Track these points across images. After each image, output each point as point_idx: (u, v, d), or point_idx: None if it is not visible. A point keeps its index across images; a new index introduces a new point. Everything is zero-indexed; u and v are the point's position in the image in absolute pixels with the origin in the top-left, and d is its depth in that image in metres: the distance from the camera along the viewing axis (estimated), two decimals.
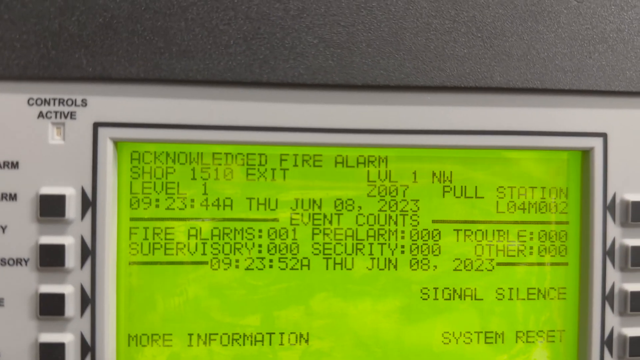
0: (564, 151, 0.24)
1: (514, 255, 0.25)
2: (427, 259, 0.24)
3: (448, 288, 0.25)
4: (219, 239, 0.24)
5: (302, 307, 0.24)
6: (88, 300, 0.22)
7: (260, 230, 0.24)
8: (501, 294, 0.25)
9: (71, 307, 0.22)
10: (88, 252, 0.22)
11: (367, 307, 0.24)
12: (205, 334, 0.24)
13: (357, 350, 0.24)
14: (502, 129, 0.24)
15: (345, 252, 0.24)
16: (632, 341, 0.24)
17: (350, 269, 0.24)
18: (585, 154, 0.24)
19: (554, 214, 0.24)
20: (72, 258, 0.22)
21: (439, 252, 0.24)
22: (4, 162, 0.22)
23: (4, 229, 0.22)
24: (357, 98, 0.23)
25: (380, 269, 0.24)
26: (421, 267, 0.24)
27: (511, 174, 0.25)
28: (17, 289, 0.22)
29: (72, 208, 0.22)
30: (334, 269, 0.24)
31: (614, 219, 0.24)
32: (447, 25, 0.23)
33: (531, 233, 0.25)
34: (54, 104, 0.22)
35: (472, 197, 0.25)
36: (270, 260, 0.24)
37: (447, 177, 0.24)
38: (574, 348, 0.25)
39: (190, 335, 0.24)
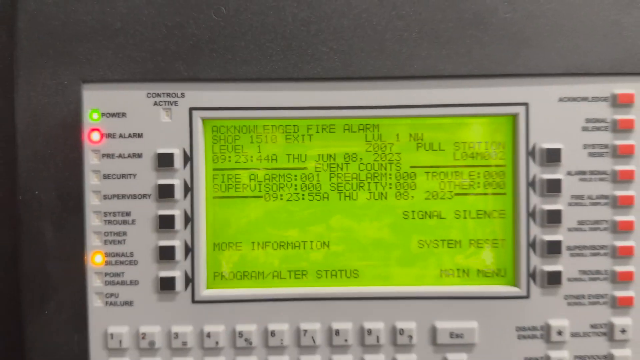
0: (500, 116, 0.32)
1: (467, 188, 0.32)
2: (407, 192, 0.33)
3: (421, 211, 0.32)
4: (269, 181, 0.33)
5: (324, 224, 0.33)
6: (189, 220, 0.32)
7: (295, 175, 0.33)
8: (458, 214, 0.32)
9: (179, 223, 0.32)
10: (189, 189, 0.32)
11: (366, 224, 0.33)
12: (262, 242, 0.33)
13: (360, 252, 0.33)
14: (457, 102, 0.31)
15: (352, 189, 0.33)
16: (549, 243, 0.31)
17: (355, 200, 0.33)
18: (514, 118, 0.32)
19: (494, 159, 0.32)
20: (179, 193, 0.31)
21: (415, 187, 0.33)
22: (134, 134, 0.32)
23: (134, 176, 0.33)
24: (356, 86, 0.31)
25: (375, 199, 0.33)
26: (403, 197, 0.33)
27: (464, 134, 0.32)
28: (144, 212, 0.32)
29: (178, 161, 0.31)
30: (344, 200, 0.33)
31: (534, 161, 0.31)
32: (415, 33, 0.32)
33: (478, 173, 0.32)
34: (164, 96, 0.32)
35: (437, 150, 0.32)
36: (303, 195, 0.33)
37: (420, 137, 0.32)
38: (511, 250, 0.32)
39: (253, 243, 0.33)
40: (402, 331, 0.32)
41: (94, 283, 0.32)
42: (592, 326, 0.32)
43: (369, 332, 0.32)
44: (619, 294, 0.32)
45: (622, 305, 0.32)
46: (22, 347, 0.32)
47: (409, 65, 0.32)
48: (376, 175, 0.33)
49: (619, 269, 0.32)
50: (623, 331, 0.32)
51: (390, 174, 0.33)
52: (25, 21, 0.31)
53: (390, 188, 0.33)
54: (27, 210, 0.32)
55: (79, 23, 0.31)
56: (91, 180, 0.32)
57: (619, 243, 0.32)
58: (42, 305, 0.32)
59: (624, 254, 0.32)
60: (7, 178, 0.33)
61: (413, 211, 0.33)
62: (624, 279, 0.32)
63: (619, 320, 0.32)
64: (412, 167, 0.33)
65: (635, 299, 0.32)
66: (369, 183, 0.33)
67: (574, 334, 0.32)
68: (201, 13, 0.31)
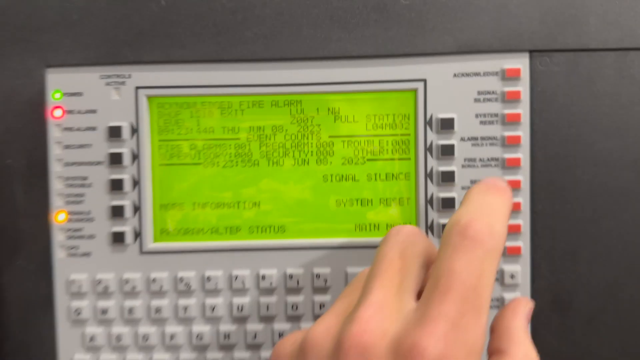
0: (403, 91, 0.36)
1: (377, 155, 0.37)
2: (326, 158, 0.37)
3: (338, 174, 0.37)
4: (207, 150, 0.37)
5: (255, 187, 0.37)
6: (136, 183, 0.37)
7: (229, 145, 0.37)
8: (370, 177, 0.37)
9: (127, 186, 0.37)
10: (135, 157, 0.37)
11: (291, 186, 0.37)
12: (202, 203, 0.37)
13: (287, 210, 0.37)
14: (366, 80, 0.36)
15: (279, 156, 0.37)
16: (443, 200, 0.36)
17: (281, 165, 0.37)
18: (415, 92, 0.36)
19: (400, 129, 0.37)
20: (127, 160, 0.36)
21: (333, 154, 0.37)
22: (89, 110, 0.37)
23: (90, 146, 0.38)
24: (280, 66, 0.36)
25: (299, 165, 0.37)
26: (322, 163, 0.37)
27: (375, 107, 0.37)
28: (99, 177, 0.36)
29: (126, 133, 0.36)
30: (272, 165, 0.37)
31: (431, 129, 0.36)
32: (327, 20, 0.36)
33: (387, 142, 0.37)
34: (114, 77, 0.37)
35: (351, 122, 0.37)
36: (236, 162, 0.37)
37: (337, 110, 0.37)
38: (414, 207, 0.37)
39: (194, 203, 0.37)
40: (318, 276, 0.37)
41: (58, 237, 0.37)
42: None
43: (291, 277, 0.37)
44: (508, 244, 0.37)
45: (511, 254, 0.37)
46: None
47: (323, 48, 0.36)
48: (299, 144, 0.38)
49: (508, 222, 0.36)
50: (512, 277, 0.37)
51: (311, 143, 0.38)
52: None
53: (311, 155, 0.38)
54: (1, 176, 0.37)
55: (42, 16, 0.37)
56: (55, 150, 0.37)
57: None
58: (14, 256, 0.37)
59: (513, 209, 0.36)
60: None
61: (331, 175, 0.38)
62: (513, 231, 0.37)
63: (509, 267, 0.37)
64: (330, 136, 0.38)
65: (522, 249, 0.37)
66: (293, 151, 0.38)
67: None
68: (144, 5, 0.36)
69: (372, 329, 0.24)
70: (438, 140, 0.36)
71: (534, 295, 0.37)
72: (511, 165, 0.36)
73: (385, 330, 0.24)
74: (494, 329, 0.28)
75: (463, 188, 0.37)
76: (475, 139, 0.36)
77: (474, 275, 0.24)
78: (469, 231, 0.25)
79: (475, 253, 0.25)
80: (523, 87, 0.36)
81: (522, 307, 0.29)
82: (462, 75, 0.36)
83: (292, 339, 0.29)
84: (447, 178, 0.36)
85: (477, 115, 0.36)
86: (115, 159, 0.37)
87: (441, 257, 0.25)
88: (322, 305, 0.37)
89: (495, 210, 0.27)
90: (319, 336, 0.26)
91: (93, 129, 0.37)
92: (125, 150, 0.37)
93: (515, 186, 0.36)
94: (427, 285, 0.25)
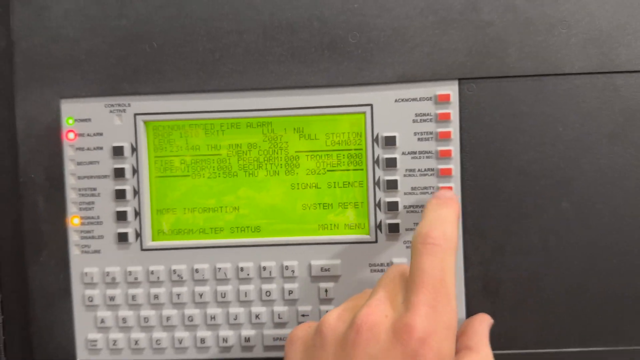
0: (354, 114, 0.43)
1: (335, 166, 0.44)
2: (293, 170, 0.43)
3: (304, 183, 0.44)
4: (194, 164, 0.44)
5: (234, 195, 0.44)
6: (137, 192, 0.45)
7: (212, 160, 0.44)
8: (330, 185, 0.44)
9: (129, 195, 0.44)
10: (135, 171, 0.45)
11: (265, 194, 0.44)
12: (191, 208, 0.45)
13: (261, 213, 0.44)
14: (324, 105, 0.43)
15: (254, 168, 0.44)
16: (389, 204, 0.43)
17: (256, 176, 0.44)
18: (364, 115, 0.43)
19: (354, 145, 0.43)
20: (128, 173, 0.44)
21: (299, 166, 0.43)
22: (96, 133, 0.45)
23: (98, 162, 0.46)
24: (251, 94, 0.43)
25: (271, 175, 0.43)
26: (290, 174, 0.43)
27: (332, 127, 0.43)
28: (105, 188, 0.44)
29: (127, 151, 0.44)
30: (248, 176, 0.44)
31: (378, 145, 0.43)
32: (289, 56, 0.44)
33: (344, 155, 0.43)
34: (116, 106, 0.45)
35: (313, 139, 0.44)
36: (218, 173, 0.44)
37: (301, 129, 0.43)
38: (366, 210, 0.44)
39: (184, 208, 0.45)
40: (287, 267, 0.44)
41: (73, 238, 0.45)
42: None
43: (264, 268, 0.45)
44: None
45: None
46: (25, 284, 0.45)
47: (287, 79, 0.43)
48: (271, 158, 0.44)
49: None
50: None
51: (280, 157, 0.44)
52: (20, 57, 0.45)
53: (281, 167, 0.44)
54: (26, 188, 0.45)
55: (56, 56, 0.44)
56: (69, 166, 0.45)
57: None
58: (38, 254, 0.45)
59: None
60: (11, 166, 0.47)
61: (298, 183, 0.44)
62: None
63: None
64: (296, 151, 0.44)
65: None
66: (265, 164, 0.44)
67: None
68: (139, 47, 0.44)
69: (378, 311, 0.32)
70: (383, 154, 0.44)
71: (467, 282, 0.44)
72: (444, 175, 0.43)
73: (387, 314, 0.32)
74: (463, 331, 0.37)
75: (405, 193, 0.44)
76: (414, 152, 0.44)
77: (438, 270, 0.32)
78: (429, 239, 0.33)
79: (436, 254, 0.33)
80: (453, 110, 0.43)
81: (486, 319, 0.39)
82: (402, 100, 0.43)
83: (306, 325, 0.36)
84: (392, 185, 0.43)
85: (415, 133, 0.43)
86: (119, 173, 0.45)
87: (413, 262, 0.33)
88: (290, 292, 0.44)
89: (446, 219, 0.35)
90: (333, 321, 0.34)
91: (100, 148, 0.45)
92: (127, 166, 0.45)
93: None
94: (408, 284, 0.33)
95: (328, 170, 0.44)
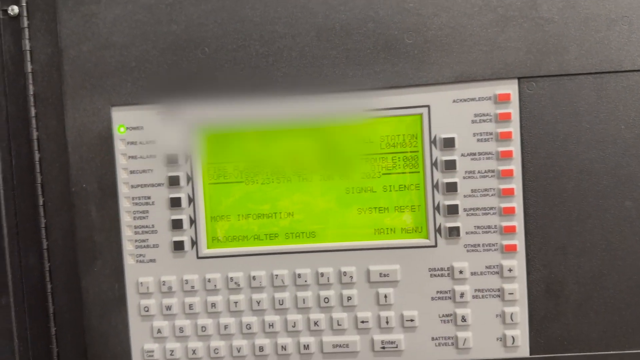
0: (410, 116, 0.42)
1: (391, 169, 0.43)
2: (348, 174, 0.43)
3: (359, 187, 0.43)
4: (248, 170, 0.43)
5: (289, 199, 0.44)
6: (191, 200, 0.44)
7: (267, 165, 0.43)
8: (385, 188, 0.43)
9: (184, 203, 0.43)
10: (190, 178, 0.44)
11: (319, 198, 0.43)
12: (245, 214, 0.44)
13: (316, 218, 0.43)
14: (380, 107, 0.42)
15: (307, 173, 0.43)
16: (449, 207, 0.42)
17: (311, 181, 0.43)
18: (421, 116, 0.42)
19: (410, 147, 0.43)
20: (183, 181, 0.43)
21: (353, 170, 0.43)
22: (148, 141, 0.44)
23: (152, 170, 0.44)
24: (306, 99, 0.43)
25: (325, 180, 0.43)
26: (345, 178, 0.43)
27: (388, 129, 0.42)
28: (160, 196, 0.44)
29: (181, 159, 0.43)
30: (303, 181, 0.43)
31: (436, 147, 0.42)
32: (344, 59, 0.43)
33: (399, 158, 0.43)
34: (168, 113, 0.44)
35: (368, 142, 0.43)
36: (272, 179, 0.43)
37: (356, 132, 0.43)
38: (424, 213, 0.43)
39: (239, 215, 0.44)
40: (345, 273, 0.43)
41: (128, 247, 0.45)
42: (487, 267, 0.43)
43: (322, 275, 0.44)
44: (506, 242, 0.43)
45: (508, 251, 0.43)
46: (79, 294, 0.45)
47: (341, 83, 0.43)
48: (325, 162, 0.44)
49: (505, 224, 0.42)
50: (510, 270, 0.43)
51: (334, 161, 0.44)
52: (69, 65, 0.44)
53: (335, 171, 0.44)
54: (78, 197, 0.44)
55: (107, 64, 0.44)
56: (122, 175, 0.44)
57: (504, 205, 0.42)
58: (92, 264, 0.44)
59: (508, 212, 0.42)
60: (63, 176, 0.46)
61: (353, 187, 0.44)
62: (509, 231, 0.43)
63: (507, 262, 0.43)
64: (350, 155, 0.44)
65: (518, 246, 0.43)
66: (319, 168, 0.44)
67: (473, 273, 0.43)
68: (191, 53, 0.43)
69: None
70: (442, 156, 0.42)
71: (530, 284, 0.43)
72: (505, 176, 0.42)
73: None
74: None
75: (465, 196, 0.43)
76: (474, 154, 0.42)
77: None
78: None
79: None
80: (513, 109, 0.42)
81: None
82: (461, 100, 0.42)
83: None
84: (451, 188, 0.42)
85: (474, 134, 0.42)
86: (173, 181, 0.44)
87: None
88: (349, 298, 0.44)
89: None
90: None
91: (153, 156, 0.44)
92: (181, 173, 0.44)
93: (510, 193, 0.42)
94: None
95: (383, 174, 0.44)
